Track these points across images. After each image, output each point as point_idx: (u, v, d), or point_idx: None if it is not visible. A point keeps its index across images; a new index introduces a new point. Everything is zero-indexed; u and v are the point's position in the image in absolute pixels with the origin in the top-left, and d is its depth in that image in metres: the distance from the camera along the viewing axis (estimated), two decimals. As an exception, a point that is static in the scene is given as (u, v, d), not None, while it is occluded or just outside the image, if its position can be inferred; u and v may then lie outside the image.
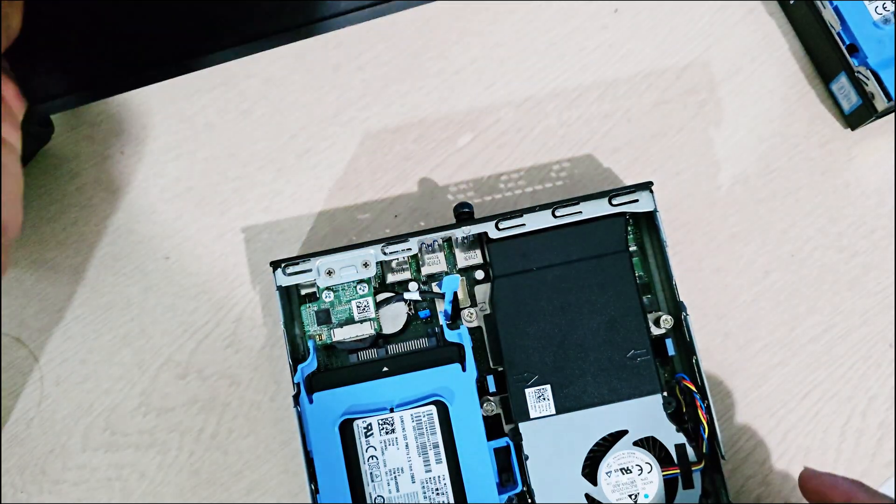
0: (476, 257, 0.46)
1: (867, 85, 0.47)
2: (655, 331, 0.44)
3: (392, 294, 0.46)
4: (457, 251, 0.46)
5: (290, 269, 0.44)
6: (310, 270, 0.44)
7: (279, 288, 0.44)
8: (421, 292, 0.45)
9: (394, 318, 0.46)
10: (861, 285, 0.49)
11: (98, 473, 0.47)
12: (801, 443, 0.47)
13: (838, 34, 0.48)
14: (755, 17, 0.52)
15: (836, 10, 0.48)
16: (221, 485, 0.47)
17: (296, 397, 0.43)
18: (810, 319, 0.48)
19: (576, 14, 0.52)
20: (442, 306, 0.45)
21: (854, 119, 0.50)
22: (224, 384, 0.48)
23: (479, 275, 0.46)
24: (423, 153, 0.50)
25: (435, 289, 0.46)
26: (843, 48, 0.48)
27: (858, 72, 0.48)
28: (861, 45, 0.47)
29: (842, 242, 0.49)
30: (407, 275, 0.46)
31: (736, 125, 0.50)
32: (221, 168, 0.51)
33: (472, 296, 0.46)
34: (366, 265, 0.44)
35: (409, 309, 0.46)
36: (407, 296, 0.46)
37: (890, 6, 0.47)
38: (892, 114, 0.50)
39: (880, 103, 0.47)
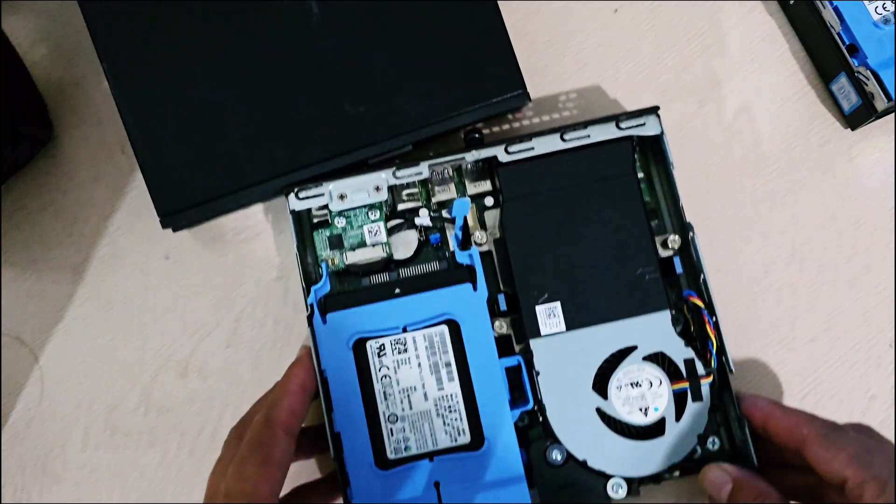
0: (486, 185, 0.46)
1: (867, 85, 0.47)
2: (663, 252, 0.45)
3: (403, 220, 0.46)
4: (466, 181, 0.46)
5: (303, 194, 0.44)
6: (322, 195, 0.44)
7: (292, 212, 0.44)
8: (431, 218, 0.46)
9: (405, 244, 0.46)
10: (861, 284, 0.49)
11: (98, 473, 0.47)
12: (801, 442, 0.47)
13: (838, 34, 0.48)
14: (755, 17, 0.52)
15: (836, 10, 0.48)
16: (221, 484, 0.47)
17: (310, 318, 0.43)
18: (810, 318, 0.48)
19: (576, 14, 0.52)
20: (452, 232, 0.46)
21: (854, 119, 0.50)
22: (224, 384, 0.48)
23: (489, 201, 0.46)
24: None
25: (445, 215, 0.46)
26: (843, 48, 0.48)
27: (858, 72, 0.48)
28: (861, 45, 0.47)
29: (842, 241, 0.49)
30: (418, 203, 0.46)
31: (736, 125, 0.50)
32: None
33: (481, 222, 0.46)
34: (377, 189, 0.44)
35: (420, 235, 0.46)
36: (417, 221, 0.46)
37: (890, 6, 0.47)
38: (892, 114, 0.50)
39: (880, 103, 0.47)
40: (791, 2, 0.51)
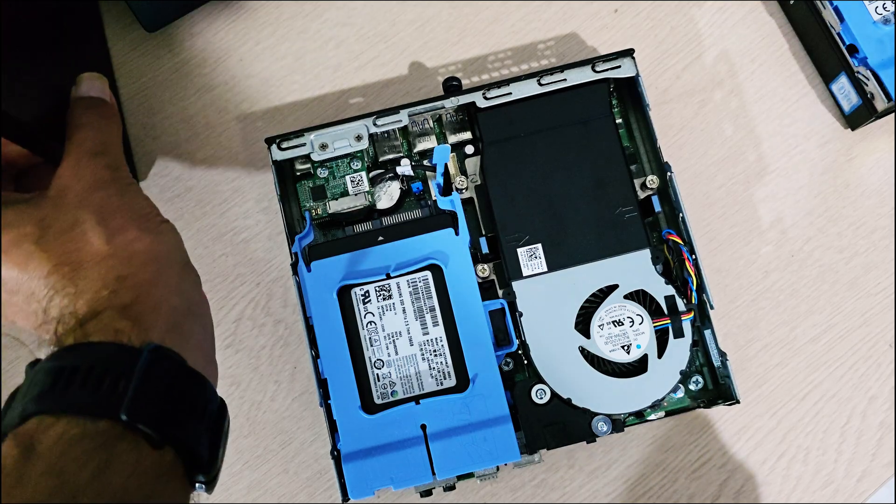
0: (466, 135, 0.47)
1: (867, 85, 0.47)
2: (642, 193, 0.45)
3: (385, 171, 0.47)
4: (447, 132, 0.47)
5: (285, 144, 0.45)
6: (304, 144, 0.45)
7: (275, 163, 0.45)
8: (413, 166, 0.46)
9: (387, 195, 0.46)
10: (861, 285, 0.49)
11: (98, 473, 0.47)
12: (801, 443, 0.47)
13: (838, 34, 0.48)
14: (755, 17, 0.52)
15: (836, 10, 0.48)
16: (221, 485, 0.47)
17: (294, 266, 0.43)
18: (810, 319, 0.48)
19: (576, 14, 0.52)
20: (434, 180, 0.46)
21: (854, 119, 0.50)
22: (224, 384, 0.48)
23: (469, 149, 0.47)
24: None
25: (426, 163, 0.46)
26: (843, 48, 0.48)
27: (858, 72, 0.48)
28: (861, 45, 0.47)
29: (842, 242, 0.49)
30: (399, 154, 0.47)
31: (735, 125, 0.50)
32: (221, 167, 0.50)
33: (463, 170, 0.47)
34: (358, 138, 0.45)
35: (402, 184, 0.47)
36: (399, 170, 0.46)
37: (890, 6, 0.47)
38: (892, 114, 0.50)
39: (880, 103, 0.47)
40: (791, 2, 0.51)
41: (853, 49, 0.47)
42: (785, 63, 0.51)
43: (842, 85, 0.49)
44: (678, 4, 0.51)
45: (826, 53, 0.49)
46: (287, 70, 0.52)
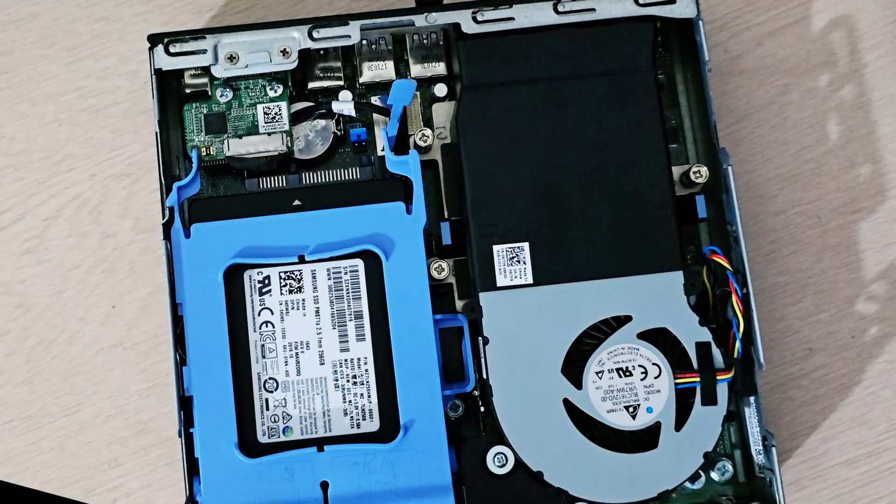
0: (438, 67, 0.40)
1: None
2: (682, 190, 0.39)
3: (313, 104, 0.40)
4: (411, 59, 0.40)
5: (176, 48, 0.37)
6: (204, 52, 0.37)
7: (157, 72, 0.37)
8: (356, 103, 0.39)
9: (314, 138, 0.39)
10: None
11: None
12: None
13: None
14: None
15: None
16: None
17: (167, 226, 0.36)
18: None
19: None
20: (384, 127, 0.40)
21: None
22: (6, 304, 0.41)
23: (441, 90, 0.40)
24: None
25: (375, 101, 0.40)
26: None
27: None
28: None
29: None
30: (339, 82, 0.40)
31: (839, 127, 0.43)
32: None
33: (428, 121, 0.41)
34: (284, 53, 0.37)
35: (338, 127, 0.40)
36: (335, 107, 0.39)
37: None
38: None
39: None
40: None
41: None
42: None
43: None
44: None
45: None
46: None
